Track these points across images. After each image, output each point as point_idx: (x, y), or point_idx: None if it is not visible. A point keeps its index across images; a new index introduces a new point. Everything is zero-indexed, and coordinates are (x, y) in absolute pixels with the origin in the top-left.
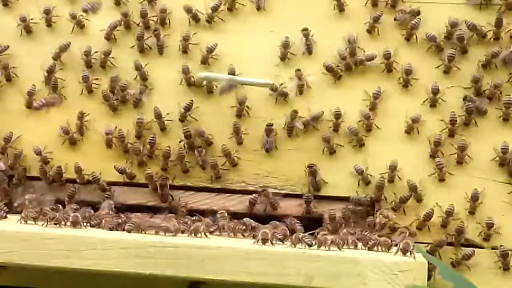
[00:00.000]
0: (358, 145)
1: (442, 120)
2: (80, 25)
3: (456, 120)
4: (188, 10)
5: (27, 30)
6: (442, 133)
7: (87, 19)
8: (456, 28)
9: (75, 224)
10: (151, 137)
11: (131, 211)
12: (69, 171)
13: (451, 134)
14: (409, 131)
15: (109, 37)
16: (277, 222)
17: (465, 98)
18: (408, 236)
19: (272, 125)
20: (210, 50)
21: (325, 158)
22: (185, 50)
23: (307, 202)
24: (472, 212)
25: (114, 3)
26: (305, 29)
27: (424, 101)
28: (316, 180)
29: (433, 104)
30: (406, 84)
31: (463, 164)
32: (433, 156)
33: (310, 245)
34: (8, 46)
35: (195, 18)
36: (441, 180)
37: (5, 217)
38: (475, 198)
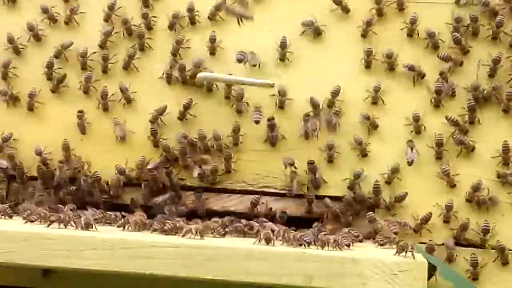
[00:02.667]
0: (361, 155)
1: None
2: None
3: (442, 143)
4: (190, 9)
5: (37, 38)
6: (442, 133)
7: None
8: (460, 24)
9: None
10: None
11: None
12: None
13: (439, 157)
14: (419, 131)
15: (103, 45)
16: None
17: (441, 74)
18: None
19: (273, 118)
20: (213, 40)
21: (326, 158)
22: (174, 53)
23: (310, 201)
24: (469, 200)
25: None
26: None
27: (431, 101)
28: (315, 177)
29: (437, 104)
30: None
31: (474, 151)
32: (439, 157)
33: (309, 243)
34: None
35: (192, 20)
36: (452, 186)
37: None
38: (476, 188)
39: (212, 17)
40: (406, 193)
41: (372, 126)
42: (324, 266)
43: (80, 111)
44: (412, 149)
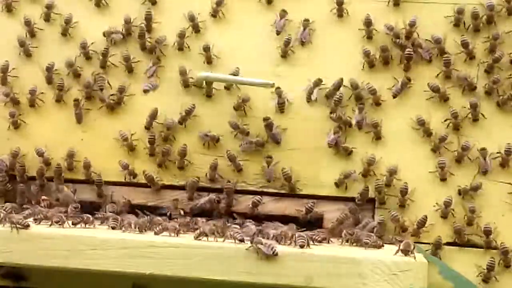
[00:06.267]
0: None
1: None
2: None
3: (445, 139)
4: (191, 18)
5: (32, 34)
6: (447, 130)
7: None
8: (462, 15)
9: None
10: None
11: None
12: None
13: (435, 149)
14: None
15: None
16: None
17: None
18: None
19: (269, 118)
20: (207, 49)
21: (326, 158)
22: (180, 48)
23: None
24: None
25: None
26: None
27: (429, 98)
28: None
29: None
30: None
31: (461, 162)
32: (434, 150)
33: (302, 247)
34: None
35: (196, 27)
36: (443, 179)
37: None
38: (475, 188)
39: (215, 14)
40: (406, 184)
41: (376, 135)
42: (324, 266)
43: (75, 100)
44: (360, 111)
